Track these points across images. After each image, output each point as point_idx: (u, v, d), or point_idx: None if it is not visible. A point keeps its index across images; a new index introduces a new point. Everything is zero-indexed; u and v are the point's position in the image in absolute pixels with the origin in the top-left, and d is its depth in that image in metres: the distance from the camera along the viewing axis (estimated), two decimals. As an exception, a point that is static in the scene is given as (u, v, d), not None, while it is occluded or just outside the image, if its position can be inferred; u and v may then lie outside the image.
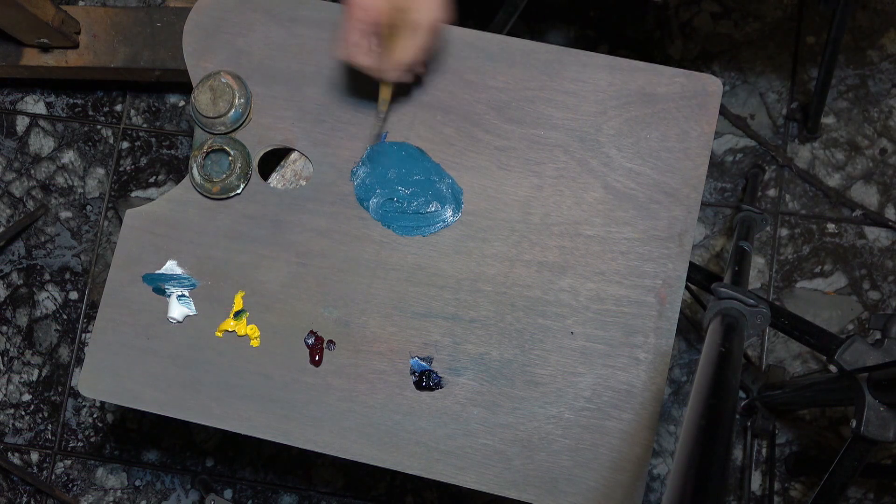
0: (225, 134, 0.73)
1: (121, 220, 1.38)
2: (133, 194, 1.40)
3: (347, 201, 0.72)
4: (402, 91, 0.72)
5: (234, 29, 0.74)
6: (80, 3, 1.44)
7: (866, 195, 1.27)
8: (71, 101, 1.42)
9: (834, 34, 1.07)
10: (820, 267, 1.27)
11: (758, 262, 1.28)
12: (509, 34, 0.74)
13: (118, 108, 1.42)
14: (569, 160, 0.70)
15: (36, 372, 1.38)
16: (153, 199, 0.76)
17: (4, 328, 1.39)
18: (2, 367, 1.38)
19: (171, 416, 0.70)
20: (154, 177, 1.39)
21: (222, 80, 0.72)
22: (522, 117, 0.71)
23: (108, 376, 0.71)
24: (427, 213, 0.71)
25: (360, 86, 0.72)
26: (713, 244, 1.29)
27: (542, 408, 0.67)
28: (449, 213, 0.70)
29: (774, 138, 1.30)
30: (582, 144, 0.70)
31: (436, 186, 0.71)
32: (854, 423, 0.73)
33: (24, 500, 1.37)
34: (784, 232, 1.28)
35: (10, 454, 1.37)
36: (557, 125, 0.71)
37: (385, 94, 0.69)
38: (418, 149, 0.71)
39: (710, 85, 0.70)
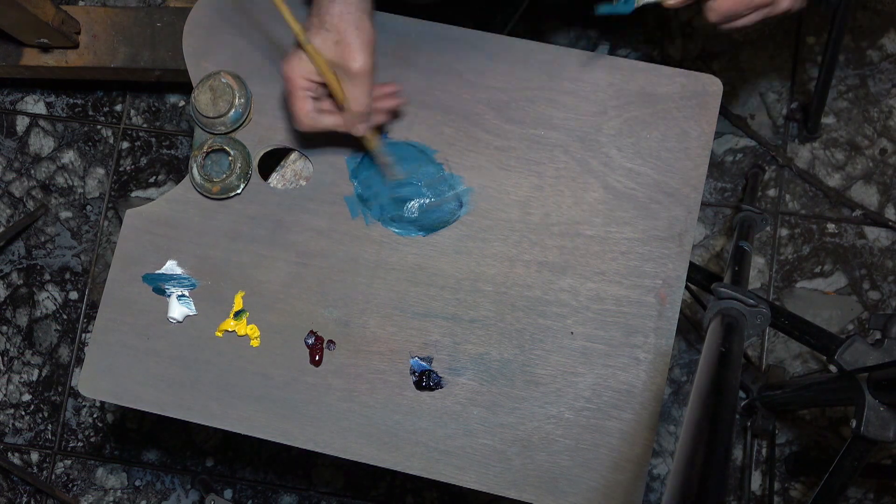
0: (225, 134, 0.73)
1: (121, 220, 1.38)
2: (133, 194, 1.40)
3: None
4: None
5: (234, 29, 0.74)
6: (80, 3, 1.44)
7: (866, 195, 1.27)
8: (71, 101, 1.42)
9: (834, 34, 1.07)
10: (820, 267, 1.27)
11: (758, 262, 1.28)
12: (509, 34, 0.74)
13: (118, 108, 1.42)
14: (569, 160, 0.70)
15: (36, 372, 1.38)
16: (153, 199, 0.76)
17: (4, 328, 1.39)
18: (2, 367, 1.38)
19: (171, 416, 0.70)
20: (154, 177, 1.39)
21: (222, 80, 0.72)
22: (522, 117, 0.71)
23: (108, 376, 0.71)
24: (429, 212, 0.71)
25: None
26: (713, 244, 1.29)
27: (542, 408, 0.67)
28: (450, 212, 0.70)
29: (774, 138, 1.30)
30: (582, 144, 0.70)
31: (438, 186, 0.71)
32: (854, 423, 0.73)
33: (24, 500, 1.37)
34: (784, 232, 1.28)
35: (10, 454, 1.37)
36: (557, 125, 0.71)
37: (370, 144, 0.69)
38: (420, 148, 0.71)
39: (710, 85, 0.70)
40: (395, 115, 0.71)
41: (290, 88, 0.64)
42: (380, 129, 0.71)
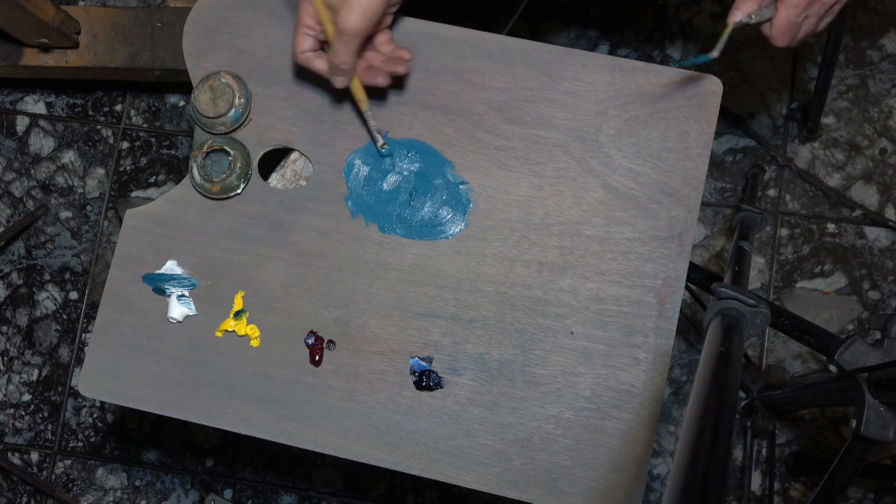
0: (225, 134, 0.73)
1: (121, 220, 1.38)
2: (133, 194, 1.40)
3: (347, 201, 0.72)
4: (401, 90, 0.72)
5: (234, 29, 0.74)
6: (80, 3, 1.44)
7: (866, 195, 1.28)
8: (71, 101, 1.42)
9: (834, 34, 1.07)
10: (820, 267, 1.27)
11: (758, 262, 1.28)
12: (509, 34, 0.74)
13: (118, 108, 1.42)
14: (569, 160, 0.70)
15: (36, 372, 1.38)
16: (153, 199, 0.76)
17: (4, 328, 1.39)
18: (2, 367, 1.38)
19: (171, 416, 0.70)
20: (154, 177, 1.39)
21: (222, 80, 0.72)
22: (522, 117, 0.71)
23: (108, 376, 0.71)
24: (435, 219, 0.70)
25: (360, 86, 0.72)
26: (713, 244, 1.29)
27: (542, 408, 0.67)
28: (458, 225, 0.70)
29: (774, 138, 1.30)
30: (582, 144, 0.70)
31: (445, 191, 0.70)
32: (854, 423, 0.73)
33: (24, 500, 1.37)
34: (784, 232, 1.28)
35: (10, 454, 1.37)
36: (557, 125, 0.71)
37: (360, 104, 0.68)
38: (428, 147, 0.71)
39: (710, 85, 0.70)
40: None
41: (297, 20, 0.64)
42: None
